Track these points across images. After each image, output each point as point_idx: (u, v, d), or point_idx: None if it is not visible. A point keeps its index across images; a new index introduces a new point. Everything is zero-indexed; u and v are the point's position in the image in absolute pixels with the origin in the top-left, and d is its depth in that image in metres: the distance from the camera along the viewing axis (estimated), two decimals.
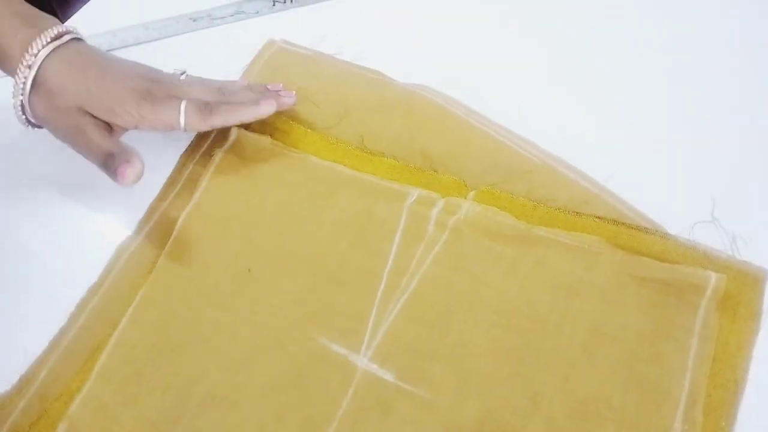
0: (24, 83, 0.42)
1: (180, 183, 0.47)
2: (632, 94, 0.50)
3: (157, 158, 0.48)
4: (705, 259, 0.40)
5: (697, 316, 0.38)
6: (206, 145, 0.48)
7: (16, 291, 0.43)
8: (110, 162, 0.41)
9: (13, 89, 0.42)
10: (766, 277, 0.39)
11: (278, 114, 0.47)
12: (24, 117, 0.43)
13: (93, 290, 0.42)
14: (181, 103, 0.43)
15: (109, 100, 0.42)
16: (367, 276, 0.41)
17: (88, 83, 0.42)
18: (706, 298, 0.38)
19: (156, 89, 0.43)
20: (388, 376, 0.38)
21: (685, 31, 0.53)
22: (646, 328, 0.38)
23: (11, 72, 0.43)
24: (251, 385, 0.38)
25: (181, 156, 0.48)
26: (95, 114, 0.43)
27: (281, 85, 0.48)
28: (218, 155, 0.47)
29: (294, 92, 0.48)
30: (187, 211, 0.44)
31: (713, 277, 0.39)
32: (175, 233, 0.44)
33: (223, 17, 0.55)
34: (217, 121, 0.44)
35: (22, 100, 0.43)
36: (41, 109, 0.43)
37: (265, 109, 0.46)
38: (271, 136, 0.48)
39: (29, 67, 0.42)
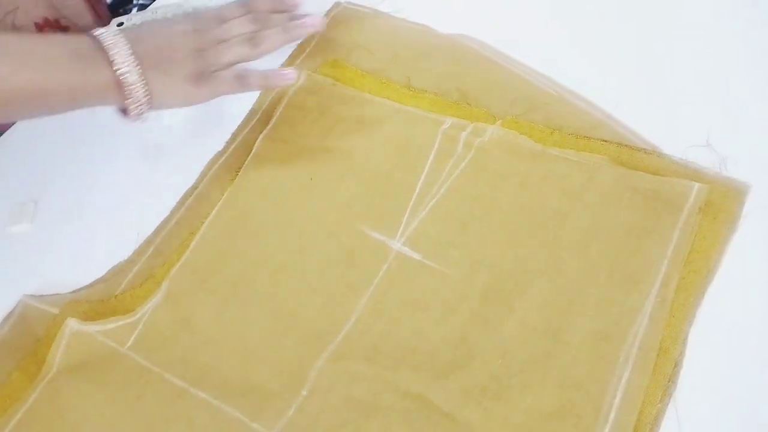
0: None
1: (258, 113, 0.57)
2: (638, 33, 0.56)
3: (240, 96, 0.59)
4: (694, 174, 0.47)
5: (680, 215, 0.45)
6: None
7: (134, 190, 0.55)
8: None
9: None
10: (747, 191, 0.46)
11: (339, 60, 0.57)
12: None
13: (189, 191, 0.54)
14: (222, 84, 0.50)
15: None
16: (405, 186, 0.50)
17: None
18: (689, 203, 0.45)
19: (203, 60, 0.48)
20: (416, 256, 0.46)
21: None
22: (635, 225, 0.45)
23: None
24: (311, 261, 0.48)
25: (260, 94, 0.59)
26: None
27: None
28: (290, 92, 0.57)
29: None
30: (264, 134, 0.55)
31: (696, 186, 0.45)
32: (254, 150, 0.54)
33: None
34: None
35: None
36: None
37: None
38: (333, 78, 0.58)
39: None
